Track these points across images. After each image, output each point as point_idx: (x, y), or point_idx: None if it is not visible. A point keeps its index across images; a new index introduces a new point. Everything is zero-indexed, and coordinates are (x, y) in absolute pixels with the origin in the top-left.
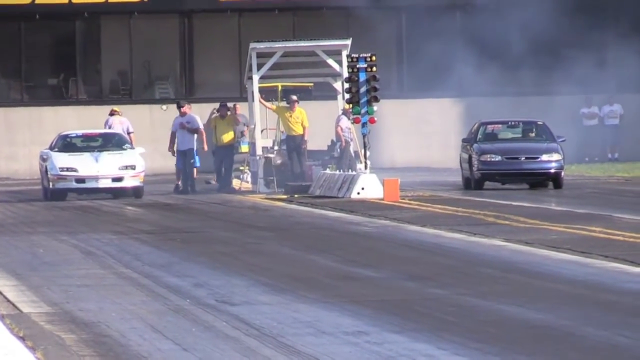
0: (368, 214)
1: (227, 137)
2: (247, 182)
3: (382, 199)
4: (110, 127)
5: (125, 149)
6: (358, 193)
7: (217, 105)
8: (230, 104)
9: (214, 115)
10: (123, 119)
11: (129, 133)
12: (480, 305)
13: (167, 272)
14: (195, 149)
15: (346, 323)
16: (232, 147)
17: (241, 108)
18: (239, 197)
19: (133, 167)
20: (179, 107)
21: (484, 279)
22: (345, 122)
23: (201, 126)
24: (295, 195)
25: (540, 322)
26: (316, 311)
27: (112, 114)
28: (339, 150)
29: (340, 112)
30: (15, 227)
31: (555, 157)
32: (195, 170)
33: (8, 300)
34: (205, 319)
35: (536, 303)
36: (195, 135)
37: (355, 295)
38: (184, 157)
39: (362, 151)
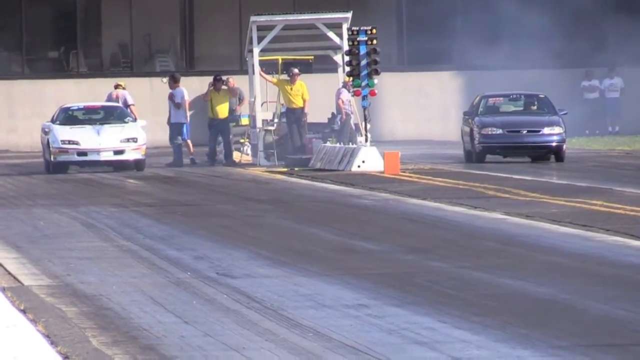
0: (368, 187)
1: (223, 109)
2: (248, 154)
3: (383, 172)
4: (110, 101)
5: (126, 122)
6: (358, 166)
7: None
8: (225, 77)
9: (209, 89)
10: (121, 92)
11: (127, 106)
12: (481, 278)
13: (167, 245)
14: (183, 122)
15: (347, 296)
16: (228, 120)
17: (235, 82)
18: (239, 170)
19: (135, 140)
20: (176, 80)
21: (484, 252)
22: (345, 95)
23: (180, 100)
24: (296, 169)
25: (541, 295)
26: (317, 284)
27: (116, 87)
28: (339, 123)
29: (341, 85)
30: (16, 200)
31: (557, 130)
32: (186, 142)
33: (9, 273)
34: (206, 291)
35: (537, 276)
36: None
37: (355, 269)
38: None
39: (363, 124)
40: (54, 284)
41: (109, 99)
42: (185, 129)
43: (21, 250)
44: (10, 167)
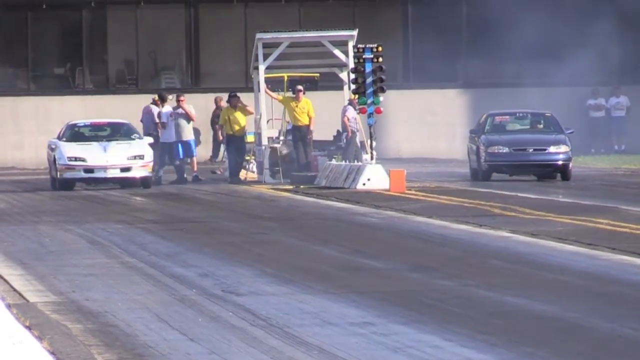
0: (374, 205)
1: (240, 127)
2: (253, 172)
3: (388, 190)
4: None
5: (133, 139)
6: (364, 184)
7: (219, 94)
8: (220, 95)
9: (225, 107)
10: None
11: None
12: (487, 296)
13: (173, 262)
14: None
15: (352, 314)
16: (244, 137)
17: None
18: (245, 187)
19: (141, 157)
20: (164, 100)
21: (490, 270)
22: (351, 113)
23: (166, 119)
24: (301, 186)
25: (547, 313)
26: (322, 302)
27: (179, 100)
28: (345, 140)
29: (347, 102)
30: (21, 217)
31: (563, 148)
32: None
33: (15, 290)
34: (211, 309)
35: (542, 295)
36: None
37: (361, 286)
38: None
39: (368, 142)
40: (59, 301)
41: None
42: (193, 146)
43: (27, 266)
44: (16, 184)
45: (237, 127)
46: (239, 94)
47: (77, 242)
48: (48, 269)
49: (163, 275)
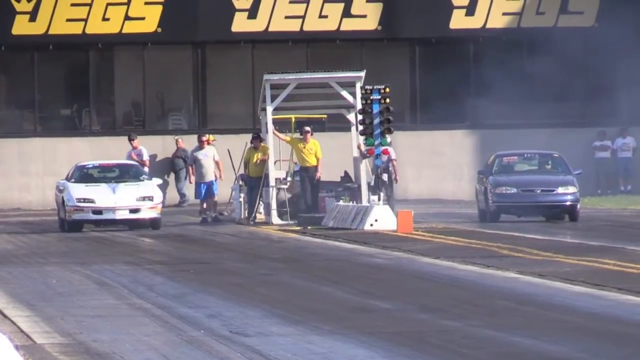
0: (382, 246)
1: (259, 168)
2: (260, 213)
3: (396, 231)
4: (194, 158)
5: (142, 180)
6: (371, 225)
7: (179, 136)
8: (205, 137)
9: (247, 147)
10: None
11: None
12: (494, 337)
13: (180, 303)
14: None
15: (360, 354)
16: (262, 178)
17: (183, 142)
18: (252, 229)
19: (151, 199)
20: (130, 139)
21: (497, 311)
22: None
23: (145, 157)
24: (309, 227)
25: (555, 354)
26: (330, 342)
27: (203, 141)
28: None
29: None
30: (28, 258)
31: (571, 189)
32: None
33: (22, 331)
34: (219, 350)
35: (550, 335)
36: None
37: (369, 327)
38: None
39: (374, 182)
40: (66, 342)
41: (194, 156)
42: (215, 186)
43: (34, 308)
44: (23, 225)
45: (256, 169)
46: (208, 136)
47: (84, 284)
48: (55, 310)
49: (171, 316)
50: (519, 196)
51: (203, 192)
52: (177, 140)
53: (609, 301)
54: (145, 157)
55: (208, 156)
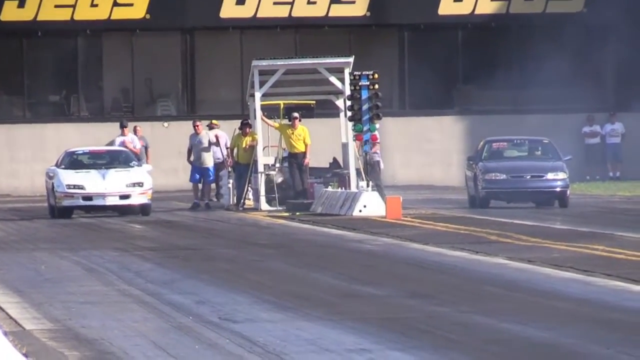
0: (370, 232)
1: (247, 154)
2: (249, 199)
3: (385, 217)
4: (201, 144)
5: (132, 166)
6: (360, 211)
7: (138, 124)
8: (137, 125)
9: (236, 133)
10: (220, 132)
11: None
12: (483, 323)
13: (169, 289)
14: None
15: (349, 340)
16: (250, 165)
17: (142, 129)
18: (241, 215)
19: (140, 185)
20: (122, 126)
21: (486, 297)
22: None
23: (138, 146)
24: (297, 213)
25: (544, 340)
26: (319, 329)
27: (211, 127)
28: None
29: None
30: (17, 244)
31: (561, 175)
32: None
33: (11, 317)
34: (208, 336)
35: (539, 321)
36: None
37: (357, 313)
38: None
39: (363, 169)
40: (55, 328)
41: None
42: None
43: (23, 294)
44: (12, 212)
45: (244, 155)
46: (139, 126)
47: (73, 270)
48: (44, 297)
49: (160, 303)
50: (509, 182)
51: (198, 176)
52: (135, 128)
53: (597, 287)
54: (138, 146)
55: (202, 142)
